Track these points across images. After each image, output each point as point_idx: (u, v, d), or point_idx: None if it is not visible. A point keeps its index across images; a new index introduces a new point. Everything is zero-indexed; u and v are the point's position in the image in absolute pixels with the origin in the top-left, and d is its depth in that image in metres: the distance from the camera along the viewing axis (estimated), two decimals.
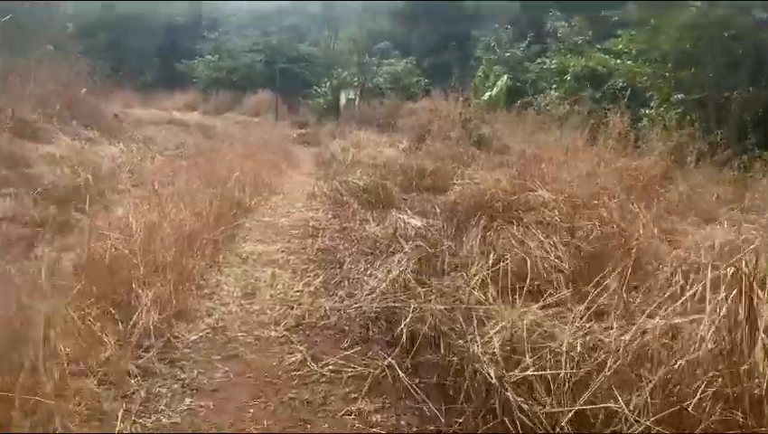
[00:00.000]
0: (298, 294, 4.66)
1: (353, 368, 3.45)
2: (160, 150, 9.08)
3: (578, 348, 2.62)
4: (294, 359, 3.55)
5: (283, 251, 5.83)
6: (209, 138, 13.34)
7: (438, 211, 7.70)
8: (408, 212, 7.94)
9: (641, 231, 4.94)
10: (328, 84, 21.69)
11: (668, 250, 4.75)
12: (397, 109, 17.19)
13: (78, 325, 3.31)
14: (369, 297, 4.49)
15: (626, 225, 5.05)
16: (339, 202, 8.18)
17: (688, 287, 3.53)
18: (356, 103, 20.05)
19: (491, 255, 5.21)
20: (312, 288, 4.79)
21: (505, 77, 12.47)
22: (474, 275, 4.27)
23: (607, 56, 14.28)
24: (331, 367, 3.46)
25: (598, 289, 3.46)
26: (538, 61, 15.44)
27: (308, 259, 5.60)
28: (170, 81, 25.93)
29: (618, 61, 13.66)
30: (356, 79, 21.20)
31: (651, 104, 12.85)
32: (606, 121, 10.46)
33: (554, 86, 15.35)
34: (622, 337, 2.52)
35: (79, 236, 5.05)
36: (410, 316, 3.56)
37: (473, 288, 4.04)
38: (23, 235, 5.15)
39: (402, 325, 3.51)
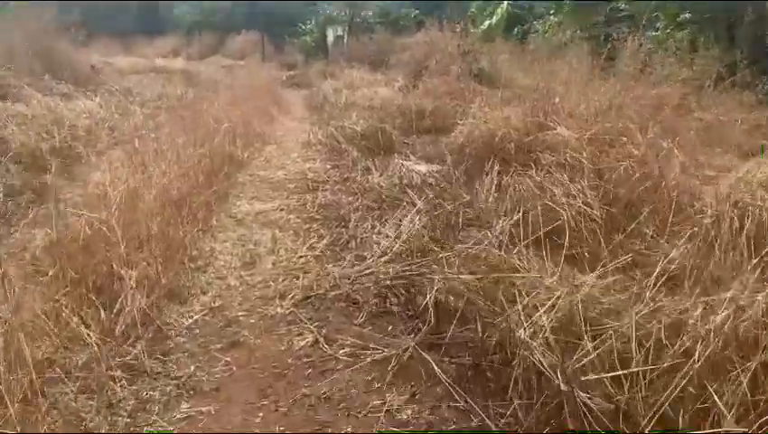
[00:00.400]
0: (302, 260, 4.15)
1: (373, 349, 2.97)
2: (141, 102, 8.38)
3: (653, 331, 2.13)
4: (304, 342, 3.07)
5: (282, 209, 5.28)
6: (193, 86, 12.55)
7: (446, 154, 7.17)
8: (411, 157, 7.39)
9: (677, 170, 4.42)
10: (314, 21, 20.58)
11: (710, 190, 4.23)
12: (389, 45, 16.29)
13: (50, 318, 2.81)
14: (381, 259, 4.00)
15: (660, 163, 4.52)
16: (336, 150, 7.59)
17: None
18: (345, 40, 19.05)
19: (512, 206, 4.74)
20: (317, 252, 4.28)
21: (505, 3, 11.59)
22: (499, 233, 3.77)
23: None
24: (347, 350, 2.99)
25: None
26: None
27: (310, 218, 5.06)
28: (151, 27, 24.68)
29: None
30: (343, 13, 20.10)
31: (657, 25, 12.08)
32: (611, 47, 9.79)
33: (552, 11, 14.46)
34: (711, 318, 2.03)
35: (54, 207, 4.51)
36: (435, 286, 3.06)
37: (502, 248, 3.56)
38: None
39: (427, 298, 3.02)
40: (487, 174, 5.29)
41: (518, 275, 2.94)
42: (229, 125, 6.78)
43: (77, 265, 3.21)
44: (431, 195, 5.57)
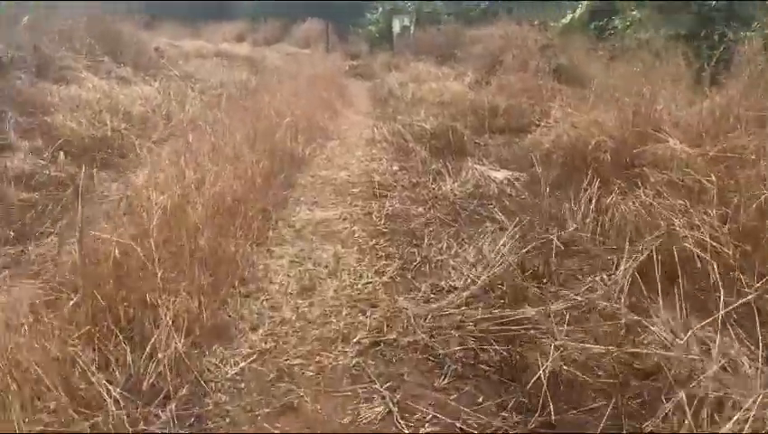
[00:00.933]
0: (369, 287, 3.46)
1: (463, 430, 2.27)
2: (202, 89, 7.88)
3: None
4: (374, 412, 2.39)
5: (345, 219, 4.62)
6: (257, 73, 12.05)
7: (525, 160, 6.38)
8: (485, 161, 6.61)
9: None
10: (380, 10, 19.84)
11: None
12: (457, 38, 15.40)
13: (63, 366, 2.22)
14: (464, 295, 3.28)
15: None
16: (403, 150, 6.88)
17: None
18: (411, 31, 18.24)
19: (617, 232, 3.94)
20: (385, 277, 3.59)
21: None
22: (622, 276, 2.99)
23: None
24: (428, 429, 2.29)
25: None
26: None
27: (376, 231, 4.38)
28: (216, 13, 24.44)
29: None
30: (410, 4, 19.29)
31: (754, 24, 10.83)
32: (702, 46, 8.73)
33: (633, 8, 13.27)
34: None
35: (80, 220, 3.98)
36: (550, 357, 2.31)
37: (623, 299, 2.78)
38: (28, 202, 4.08)
39: (540, 372, 2.27)
40: (585, 190, 4.47)
41: (664, 353, 2.17)
42: (291, 119, 6.15)
43: (106, 292, 2.62)
44: (514, 210, 4.83)
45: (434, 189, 5.35)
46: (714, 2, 11.62)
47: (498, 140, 7.68)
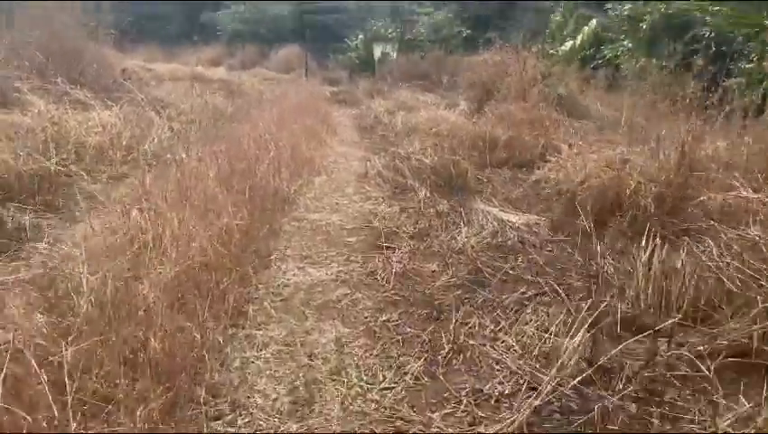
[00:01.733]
0: (388, 397, 2.45)
1: None
2: (172, 115, 6.82)
3: None
4: None
5: (344, 281, 3.61)
6: (234, 98, 11.05)
7: (535, 199, 5.53)
8: (494, 201, 5.70)
9: None
10: (360, 37, 19.05)
11: None
12: (440, 64, 14.64)
13: None
14: (524, 411, 2.30)
15: None
16: (400, 187, 5.92)
17: None
18: (393, 57, 17.47)
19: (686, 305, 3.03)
20: (407, 378, 2.58)
21: (594, 21, 9.81)
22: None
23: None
24: None
25: None
26: (607, 7, 12.69)
27: (385, 300, 3.38)
28: (194, 35, 23.45)
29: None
30: (391, 31, 18.56)
31: (753, 56, 10.24)
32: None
33: (622, 37, 12.66)
34: None
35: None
36: None
37: None
38: None
39: None
40: (646, 242, 3.53)
41: None
42: (273, 151, 5.15)
43: None
44: (546, 266, 3.89)
45: (446, 239, 4.37)
46: (703, 32, 11.08)
47: (501, 175, 6.78)
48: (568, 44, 9.67)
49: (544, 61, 8.95)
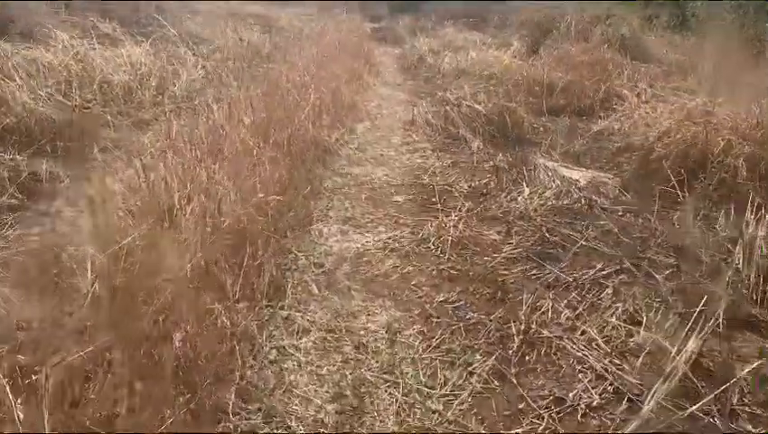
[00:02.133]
0: (453, 405, 2.02)
1: None
2: (206, 53, 6.28)
3: None
4: None
5: (392, 250, 3.14)
6: (271, 35, 10.40)
7: (600, 153, 4.94)
8: (554, 153, 5.11)
9: None
10: None
11: None
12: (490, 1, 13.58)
13: None
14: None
15: None
16: (452, 136, 5.36)
17: None
18: None
19: None
20: (475, 379, 2.14)
21: None
22: None
23: None
24: None
25: None
26: None
27: (440, 274, 2.91)
28: None
29: None
30: None
31: None
32: None
33: None
34: None
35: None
36: None
37: None
38: None
39: None
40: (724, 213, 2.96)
41: None
42: (315, 96, 4.62)
43: None
44: (620, 235, 3.35)
45: (505, 201, 3.85)
46: None
47: (560, 124, 6.14)
48: None
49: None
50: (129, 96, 4.50)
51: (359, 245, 3.15)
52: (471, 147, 5.07)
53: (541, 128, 5.93)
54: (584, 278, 2.90)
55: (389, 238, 3.27)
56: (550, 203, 3.91)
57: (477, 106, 5.58)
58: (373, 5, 18.62)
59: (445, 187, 4.11)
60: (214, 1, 17.76)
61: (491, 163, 4.64)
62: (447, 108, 5.75)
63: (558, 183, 4.31)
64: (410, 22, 13.99)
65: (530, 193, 3.95)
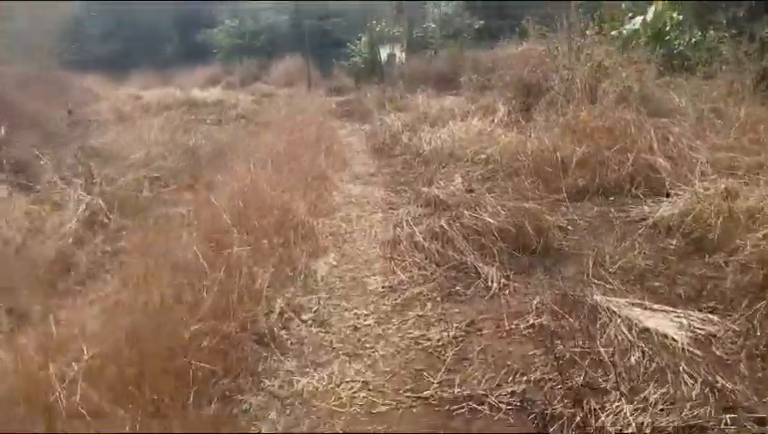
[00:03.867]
0: None
1: None
2: (110, 176, 4.37)
3: None
4: None
5: None
6: (222, 124, 8.70)
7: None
8: (606, 275, 3.29)
9: None
10: (364, 39, 16.54)
11: None
12: (456, 62, 12.10)
13: None
14: None
15: None
16: (453, 266, 3.49)
17: None
18: (400, 59, 15.01)
19: None
20: None
21: None
22: None
23: None
24: None
25: None
26: None
27: None
28: (191, 55, 21.12)
29: None
30: (396, 29, 16.05)
31: None
32: None
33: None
34: None
35: None
36: None
37: None
38: None
39: None
40: None
41: None
42: (259, 218, 2.74)
43: None
44: None
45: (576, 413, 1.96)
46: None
47: (586, 213, 4.37)
48: (635, 22, 7.04)
49: (604, 47, 6.40)
50: None
51: None
52: (487, 284, 3.22)
53: (569, 227, 4.14)
54: None
55: None
56: (666, 419, 2.03)
57: (484, 215, 3.75)
58: (339, 76, 17.19)
59: (472, 405, 2.20)
60: (173, 90, 16.25)
61: (528, 320, 2.78)
62: (438, 218, 3.91)
63: (644, 347, 2.47)
64: (377, 92, 12.37)
65: (622, 402, 2.07)
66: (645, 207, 4.36)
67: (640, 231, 3.88)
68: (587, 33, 6.54)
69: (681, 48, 7.62)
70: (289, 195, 4.26)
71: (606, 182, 4.91)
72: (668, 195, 4.56)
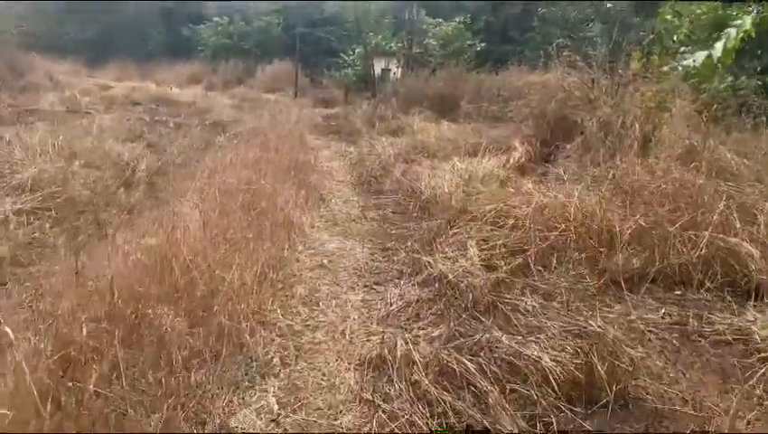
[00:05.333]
0: None
1: None
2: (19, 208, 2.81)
3: None
4: None
5: None
6: (186, 137, 7.11)
7: None
8: None
9: None
10: (358, 51, 15.07)
11: None
12: (457, 84, 10.65)
13: None
14: None
15: None
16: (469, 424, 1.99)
17: None
18: (396, 75, 13.55)
19: None
20: None
21: (748, 19, 5.97)
22: None
23: None
24: None
25: None
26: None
27: None
28: (175, 50, 19.42)
29: None
30: (393, 44, 14.62)
31: None
32: None
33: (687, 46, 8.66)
34: None
35: None
36: None
37: None
38: None
39: None
40: None
41: None
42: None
43: None
44: None
45: None
46: None
47: (654, 321, 2.91)
48: (699, 55, 5.68)
49: (659, 84, 4.98)
50: None
51: None
52: None
53: (639, 346, 2.66)
54: None
55: None
56: None
57: (527, 352, 2.23)
58: (329, 87, 15.68)
59: None
60: (150, 85, 14.56)
61: None
62: (459, 355, 2.38)
63: None
64: (368, 109, 10.87)
65: None
66: (734, 316, 2.94)
67: (751, 367, 2.43)
68: (632, 65, 5.11)
69: (725, 93, 6.28)
70: (223, 264, 2.69)
71: (669, 267, 3.47)
72: (756, 295, 3.22)
